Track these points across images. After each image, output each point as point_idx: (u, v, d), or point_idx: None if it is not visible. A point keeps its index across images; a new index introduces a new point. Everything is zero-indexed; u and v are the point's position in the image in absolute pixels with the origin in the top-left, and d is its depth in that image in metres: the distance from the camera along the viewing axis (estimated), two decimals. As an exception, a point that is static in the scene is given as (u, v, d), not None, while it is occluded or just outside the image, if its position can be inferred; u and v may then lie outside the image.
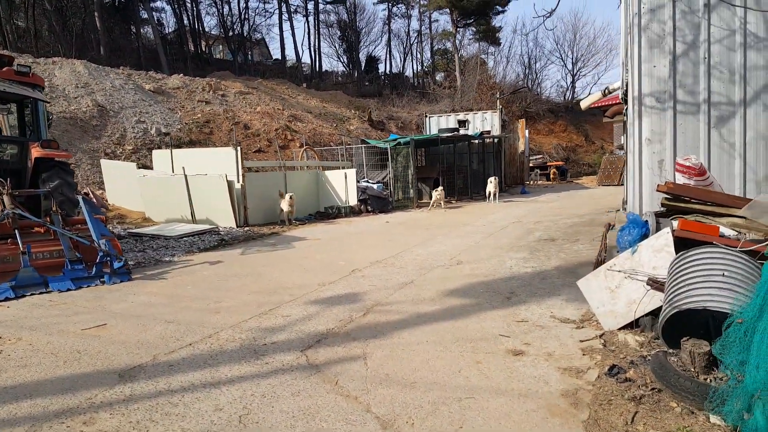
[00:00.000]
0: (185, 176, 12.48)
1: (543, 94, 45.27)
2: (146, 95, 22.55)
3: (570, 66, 47.75)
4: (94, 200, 9.66)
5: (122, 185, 14.45)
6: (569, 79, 48.41)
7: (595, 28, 67.87)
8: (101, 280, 6.78)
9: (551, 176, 29.87)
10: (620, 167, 22.37)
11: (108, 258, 6.87)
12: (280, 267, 7.50)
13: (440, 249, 8.42)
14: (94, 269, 6.79)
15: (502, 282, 6.09)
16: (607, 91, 10.01)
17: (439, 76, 45.17)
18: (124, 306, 5.60)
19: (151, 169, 15.09)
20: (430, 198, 15.56)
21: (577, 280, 6.17)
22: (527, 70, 47.03)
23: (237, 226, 12.12)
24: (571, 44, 47.28)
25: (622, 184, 22.82)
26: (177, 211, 12.74)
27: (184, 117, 22.11)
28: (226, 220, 12.20)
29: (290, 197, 12.25)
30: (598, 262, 6.78)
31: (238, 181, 12.61)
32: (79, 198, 8.18)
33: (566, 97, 47.69)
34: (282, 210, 12.68)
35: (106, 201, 14.72)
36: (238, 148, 12.75)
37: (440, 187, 15.40)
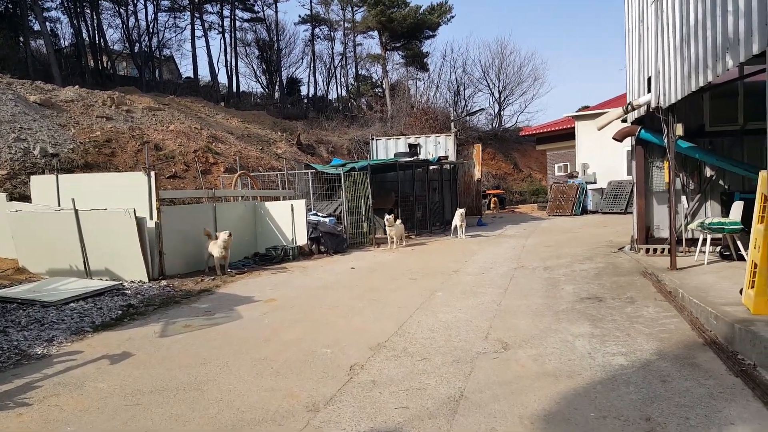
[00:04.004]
0: (75, 211, 9.22)
1: (471, 121, 44.79)
2: (30, 108, 18.45)
3: (497, 94, 47.97)
4: None
5: (-13, 223, 10.74)
6: (496, 108, 48.53)
7: (521, 56, 69.70)
8: None
9: (491, 205, 28.72)
10: (572, 197, 21.43)
11: None
12: (230, 365, 4.73)
13: (456, 317, 6.04)
14: None
15: (607, 390, 3.84)
16: (630, 107, 8.29)
17: (364, 101, 43.45)
18: None
19: (30, 201, 11.48)
20: (386, 233, 13.12)
21: (708, 376, 4.00)
22: (456, 97, 46.58)
23: (150, 280, 9.01)
24: (497, 72, 47.51)
25: (576, 215, 21.98)
26: (64, 259, 9.39)
27: (79, 135, 18.25)
28: (134, 271, 9.05)
29: (225, 239, 9.35)
30: (711, 343, 4.75)
31: (152, 218, 9.52)
32: None
33: (494, 125, 47.76)
34: (211, 255, 9.72)
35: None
36: (152, 173, 9.68)
37: (398, 220, 12.99)
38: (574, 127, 23.96)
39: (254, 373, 4.48)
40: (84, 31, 35.96)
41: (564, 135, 27.16)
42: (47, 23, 34.23)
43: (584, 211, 21.79)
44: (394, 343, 5.16)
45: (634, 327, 5.32)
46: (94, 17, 36.31)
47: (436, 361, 4.59)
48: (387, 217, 12.59)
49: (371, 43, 46.20)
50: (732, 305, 5.10)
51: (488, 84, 48.02)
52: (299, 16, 60.88)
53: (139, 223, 9.06)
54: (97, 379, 4.51)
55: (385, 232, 13.04)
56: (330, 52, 46.34)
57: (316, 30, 44.85)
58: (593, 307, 6.16)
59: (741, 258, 7.61)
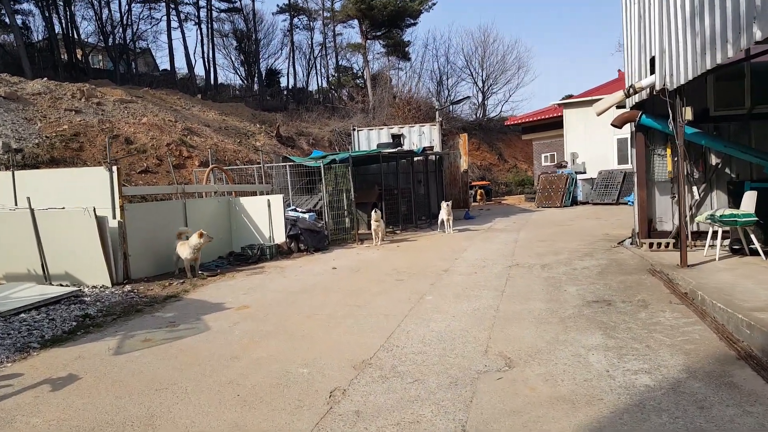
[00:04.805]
0: (31, 211, 8.40)
1: (455, 111, 44.13)
2: (-7, 101, 17.39)
3: (480, 84, 47.34)
4: None
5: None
6: (480, 97, 47.88)
7: (504, 44, 68.55)
8: None
9: (477, 197, 28.20)
10: (561, 187, 20.94)
11: None
12: (189, 391, 4.04)
13: (450, 326, 5.40)
14: None
15: (635, 420, 3.22)
16: (632, 90, 7.70)
17: (345, 92, 42.49)
18: None
19: (-16, 199, 10.58)
20: (369, 228, 12.44)
21: (752, 400, 3.33)
22: (439, 87, 45.86)
23: (114, 284, 8.24)
24: (481, 61, 46.84)
25: (566, 206, 21.49)
26: (20, 262, 8.58)
27: (46, 129, 17.23)
28: (95, 274, 8.27)
29: (199, 243, 8.59)
30: (746, 356, 4.17)
31: (115, 217, 8.74)
32: None
33: (478, 115, 47.18)
34: (180, 257, 8.96)
35: None
36: (115, 168, 8.89)
37: (378, 213, 12.22)
38: (561, 116, 23.45)
39: (217, 402, 3.79)
40: (57, 23, 34.54)
41: (551, 124, 26.66)
42: (19, 16, 32.88)
43: (574, 202, 21.32)
44: (381, 359, 4.51)
45: (652, 337, 4.72)
46: (67, 10, 34.79)
47: (431, 384, 3.95)
48: (372, 215, 11.86)
49: (351, 33, 45.41)
50: (763, 311, 4.53)
51: (471, 73, 47.42)
52: (277, 5, 59.29)
53: (100, 222, 8.29)
54: (33, 412, 3.80)
55: (368, 227, 12.36)
56: (309, 43, 45.32)
57: (295, 20, 43.78)
58: (602, 313, 5.56)
59: (754, 252, 7.10)
